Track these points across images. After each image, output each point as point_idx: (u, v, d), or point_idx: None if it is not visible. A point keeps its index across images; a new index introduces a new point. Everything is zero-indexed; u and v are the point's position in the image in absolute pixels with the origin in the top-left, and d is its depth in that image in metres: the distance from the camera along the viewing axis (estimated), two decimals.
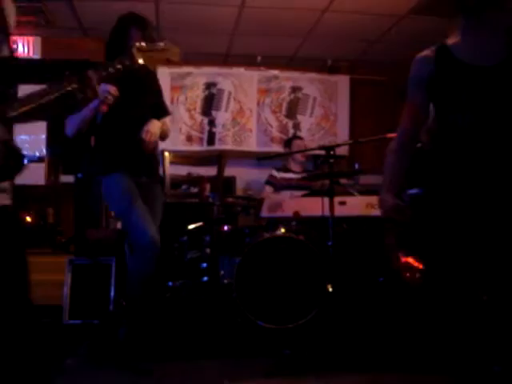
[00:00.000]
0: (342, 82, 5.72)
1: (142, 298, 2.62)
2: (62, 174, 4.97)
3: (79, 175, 4.69)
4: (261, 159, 3.84)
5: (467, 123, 1.71)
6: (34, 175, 4.59)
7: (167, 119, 2.94)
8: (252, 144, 5.56)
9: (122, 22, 2.72)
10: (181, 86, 5.45)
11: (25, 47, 4.88)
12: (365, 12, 4.39)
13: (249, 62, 5.51)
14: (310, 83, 5.67)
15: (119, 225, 3.93)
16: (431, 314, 2.28)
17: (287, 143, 4.97)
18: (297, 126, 5.64)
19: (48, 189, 4.82)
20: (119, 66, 1.50)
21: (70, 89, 1.45)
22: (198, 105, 5.50)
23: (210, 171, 4.18)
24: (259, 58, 5.49)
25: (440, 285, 1.84)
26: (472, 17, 1.73)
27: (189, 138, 5.48)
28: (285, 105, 5.65)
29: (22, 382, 1.27)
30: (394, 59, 5.29)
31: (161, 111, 2.88)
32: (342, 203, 3.42)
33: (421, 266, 3.16)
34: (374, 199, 3.45)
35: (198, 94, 5.50)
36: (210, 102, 5.52)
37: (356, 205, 3.49)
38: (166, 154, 3.92)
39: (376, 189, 3.62)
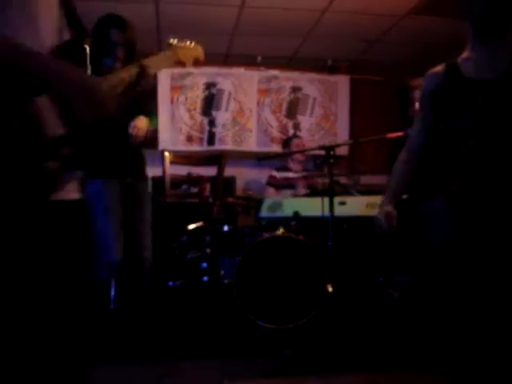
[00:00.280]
0: (342, 82, 5.72)
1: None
2: None
3: None
4: (261, 159, 3.85)
5: (466, 128, 1.74)
6: None
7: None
8: (252, 144, 5.57)
9: (101, 23, 2.68)
10: (181, 86, 5.45)
11: None
12: (365, 12, 4.39)
13: (249, 61, 5.51)
14: (309, 83, 5.68)
15: None
16: (431, 315, 2.29)
17: (286, 143, 4.97)
18: (297, 126, 5.64)
19: None
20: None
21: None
22: (198, 105, 5.51)
23: (209, 171, 4.18)
24: (259, 58, 5.49)
25: (439, 289, 1.84)
26: (483, 36, 1.75)
27: (189, 138, 5.48)
28: (285, 105, 5.65)
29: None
30: (394, 59, 5.30)
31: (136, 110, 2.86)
32: (342, 203, 3.42)
33: None
34: (374, 199, 3.45)
35: (198, 94, 5.50)
36: (210, 102, 5.53)
37: (356, 205, 3.49)
38: (166, 153, 3.93)
39: (376, 189, 3.63)
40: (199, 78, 5.50)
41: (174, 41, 1.74)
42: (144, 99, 2.67)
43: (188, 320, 3.11)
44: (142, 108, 2.73)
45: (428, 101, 1.90)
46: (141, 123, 2.70)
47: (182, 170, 4.43)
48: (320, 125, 5.69)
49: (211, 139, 5.51)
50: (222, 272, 3.47)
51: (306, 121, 5.66)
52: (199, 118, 5.51)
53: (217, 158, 4.08)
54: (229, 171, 4.49)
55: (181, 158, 4.38)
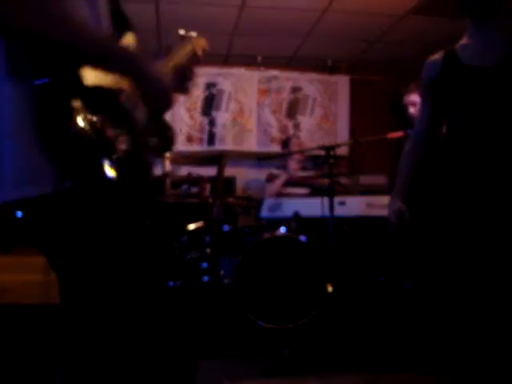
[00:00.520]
0: (342, 82, 5.72)
1: None
2: None
3: None
4: (261, 159, 3.85)
5: (466, 120, 1.74)
6: None
7: None
8: (252, 144, 5.57)
9: None
10: None
11: None
12: (365, 12, 4.39)
13: (249, 61, 5.51)
14: (309, 83, 5.68)
15: None
16: (430, 315, 2.29)
17: (285, 144, 4.97)
18: (297, 126, 5.64)
19: None
20: None
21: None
22: (198, 105, 5.51)
23: (209, 171, 4.18)
24: (259, 58, 5.49)
25: (438, 288, 1.84)
26: (477, 19, 1.75)
27: (189, 138, 5.48)
28: (285, 105, 5.65)
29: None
30: (394, 59, 5.30)
31: None
32: (342, 203, 3.42)
33: None
34: (374, 199, 3.45)
35: (198, 95, 5.50)
36: (210, 103, 5.53)
37: (356, 205, 3.49)
38: (167, 153, 3.92)
39: (376, 189, 3.64)
40: (199, 78, 5.50)
41: (185, 32, 1.70)
42: None
43: (188, 320, 3.11)
44: None
45: (428, 89, 1.92)
46: None
47: (182, 170, 4.43)
48: (320, 125, 5.69)
49: (211, 139, 5.51)
50: (222, 272, 3.46)
51: (305, 121, 5.66)
52: (199, 118, 5.51)
53: (217, 158, 4.07)
54: (229, 171, 4.49)
55: (181, 157, 4.38)
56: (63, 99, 0.98)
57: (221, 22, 4.64)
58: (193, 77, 1.57)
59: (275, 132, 5.61)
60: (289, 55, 5.53)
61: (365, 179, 4.65)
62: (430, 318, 2.55)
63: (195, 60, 1.64)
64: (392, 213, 1.95)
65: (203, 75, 5.50)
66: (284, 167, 4.74)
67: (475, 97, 1.73)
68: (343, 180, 4.29)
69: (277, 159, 4.56)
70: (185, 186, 4.49)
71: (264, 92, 5.62)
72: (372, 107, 5.66)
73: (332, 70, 5.71)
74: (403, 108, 3.36)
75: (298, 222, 3.52)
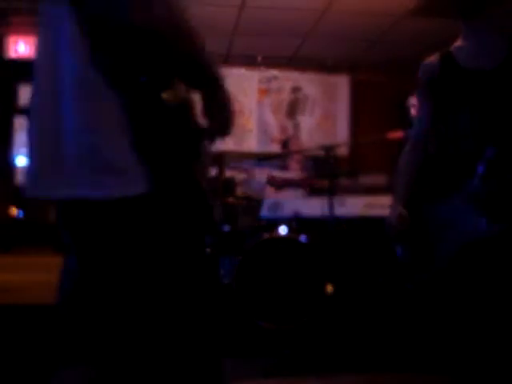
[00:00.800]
0: (342, 82, 5.72)
1: None
2: None
3: None
4: (261, 159, 3.84)
5: (468, 121, 1.74)
6: None
7: None
8: (252, 144, 5.57)
9: None
10: None
11: (27, 47, 4.88)
12: (365, 12, 4.39)
13: (249, 61, 5.51)
14: (309, 83, 5.68)
15: None
16: (430, 315, 2.29)
17: (285, 144, 4.97)
18: (297, 127, 5.64)
19: None
20: None
21: None
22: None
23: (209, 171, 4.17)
24: (259, 58, 5.50)
25: (438, 288, 1.84)
26: (471, 21, 1.75)
27: None
28: (285, 105, 5.65)
29: None
30: (394, 59, 5.30)
31: None
32: (342, 203, 3.42)
33: None
34: (374, 199, 3.45)
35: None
36: None
37: (356, 205, 3.49)
38: None
39: (376, 189, 3.64)
40: None
41: None
42: None
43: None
44: None
45: (425, 89, 1.91)
46: None
47: None
48: (320, 125, 5.69)
49: None
50: (222, 272, 3.46)
51: (305, 121, 5.66)
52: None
53: (217, 158, 4.07)
54: (229, 171, 4.49)
55: None
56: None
57: (221, 22, 4.64)
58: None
59: (275, 132, 5.61)
60: (289, 55, 5.53)
61: (365, 179, 4.64)
62: (430, 318, 2.55)
63: None
64: (394, 215, 1.94)
65: None
66: (284, 167, 4.74)
67: (474, 100, 1.73)
68: (343, 180, 4.28)
69: (277, 159, 4.56)
70: None
71: (264, 92, 5.62)
72: (372, 107, 5.66)
73: (332, 69, 5.71)
74: (406, 109, 3.36)
75: (298, 222, 3.52)
